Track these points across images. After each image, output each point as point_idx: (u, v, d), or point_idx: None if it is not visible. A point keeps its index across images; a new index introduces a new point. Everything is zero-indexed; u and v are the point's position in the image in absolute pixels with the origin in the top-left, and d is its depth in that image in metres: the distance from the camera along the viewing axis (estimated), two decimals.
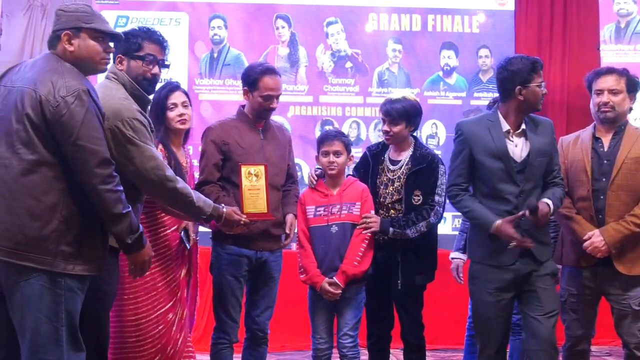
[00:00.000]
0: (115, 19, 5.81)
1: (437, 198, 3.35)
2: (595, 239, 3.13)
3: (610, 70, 3.29)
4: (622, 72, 3.28)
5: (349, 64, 6.09)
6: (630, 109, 3.35)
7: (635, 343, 3.16)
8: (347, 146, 3.44)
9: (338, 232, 3.35)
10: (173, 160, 3.19)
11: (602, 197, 3.19)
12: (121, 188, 2.47)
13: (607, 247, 3.12)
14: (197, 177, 3.50)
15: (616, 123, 3.27)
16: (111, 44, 2.64)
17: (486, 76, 6.12)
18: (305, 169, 5.54)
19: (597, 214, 3.21)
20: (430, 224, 3.34)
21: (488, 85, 6.08)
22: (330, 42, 6.11)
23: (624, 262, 3.16)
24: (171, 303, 3.08)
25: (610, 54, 6.12)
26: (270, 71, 3.40)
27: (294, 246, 3.95)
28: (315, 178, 3.48)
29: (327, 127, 5.69)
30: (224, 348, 3.29)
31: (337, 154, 3.38)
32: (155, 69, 2.82)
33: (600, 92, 3.25)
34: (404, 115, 3.38)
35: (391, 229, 3.30)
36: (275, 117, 5.73)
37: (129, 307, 2.98)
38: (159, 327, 3.02)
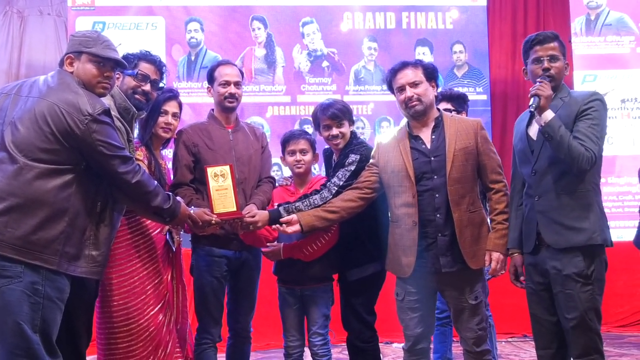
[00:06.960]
0: (92, 25, 5.84)
1: (334, 179, 3.24)
2: (494, 258, 3.00)
3: (404, 65, 3.14)
4: (416, 63, 3.17)
5: (325, 63, 6.17)
6: (436, 96, 3.23)
7: (472, 338, 3.02)
8: (312, 144, 3.47)
9: None
10: (153, 161, 3.24)
11: (437, 195, 3.02)
12: (144, 170, 2.77)
13: (504, 257, 3.02)
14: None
15: (429, 116, 3.13)
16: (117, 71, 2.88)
17: (461, 71, 6.22)
18: (285, 169, 5.59)
19: (422, 215, 3.02)
20: (324, 198, 3.20)
21: (463, 80, 6.18)
22: (306, 42, 6.18)
23: (471, 257, 3.01)
24: (160, 305, 3.11)
25: (582, 46, 6.24)
26: (225, 62, 3.62)
27: None
28: (289, 180, 3.54)
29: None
30: (207, 348, 3.32)
31: (303, 152, 3.42)
32: (147, 87, 3.12)
33: (401, 88, 3.11)
34: (346, 114, 3.37)
35: (281, 208, 3.21)
36: (253, 118, 5.87)
37: (120, 313, 3.01)
38: (150, 329, 3.05)
